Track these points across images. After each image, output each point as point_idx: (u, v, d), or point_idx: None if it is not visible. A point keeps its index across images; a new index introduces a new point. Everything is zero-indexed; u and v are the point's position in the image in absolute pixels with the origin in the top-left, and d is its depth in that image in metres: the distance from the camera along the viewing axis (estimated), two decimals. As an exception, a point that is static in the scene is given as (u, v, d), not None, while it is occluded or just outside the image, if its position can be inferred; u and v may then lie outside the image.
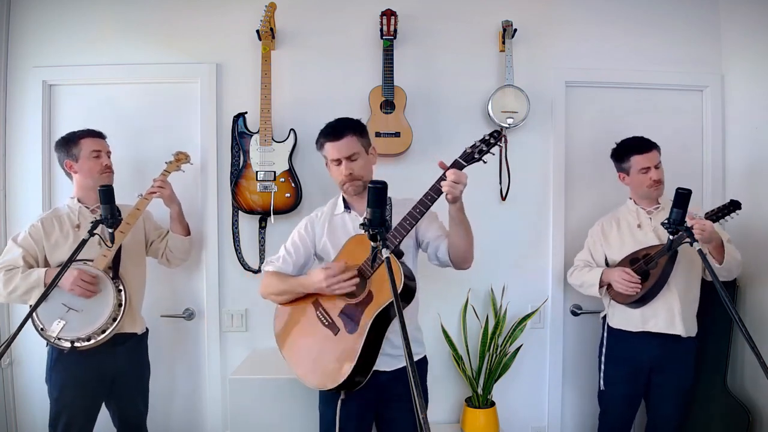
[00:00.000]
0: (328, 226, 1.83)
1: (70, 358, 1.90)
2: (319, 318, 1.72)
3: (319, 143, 1.84)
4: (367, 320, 1.61)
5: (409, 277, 1.63)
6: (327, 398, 1.77)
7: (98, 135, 2.10)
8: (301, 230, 1.86)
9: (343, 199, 1.86)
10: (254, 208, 2.38)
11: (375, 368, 1.66)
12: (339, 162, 1.79)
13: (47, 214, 2.02)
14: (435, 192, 1.59)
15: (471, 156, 1.57)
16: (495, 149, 1.60)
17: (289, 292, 1.77)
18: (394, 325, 1.69)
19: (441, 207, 1.68)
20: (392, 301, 1.57)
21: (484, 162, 1.60)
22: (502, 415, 2.42)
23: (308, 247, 1.84)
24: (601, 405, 2.29)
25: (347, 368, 1.60)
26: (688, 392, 2.21)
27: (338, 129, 1.79)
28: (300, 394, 1.94)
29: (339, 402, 1.68)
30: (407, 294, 1.61)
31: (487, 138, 1.57)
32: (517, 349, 2.43)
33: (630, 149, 2.20)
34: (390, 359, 1.73)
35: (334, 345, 1.66)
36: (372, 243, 1.31)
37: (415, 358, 1.78)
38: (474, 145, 1.58)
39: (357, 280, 1.63)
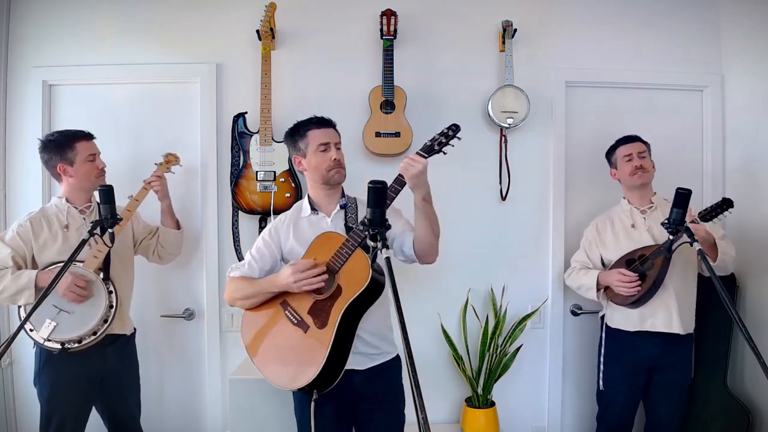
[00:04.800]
0: (293, 229, 1.81)
1: (59, 359, 1.88)
2: (288, 317, 1.69)
3: (301, 133, 1.80)
4: (337, 314, 1.60)
5: (378, 272, 1.64)
6: (301, 402, 1.74)
7: (90, 137, 2.05)
8: (265, 236, 1.83)
9: (309, 201, 1.84)
10: (254, 208, 2.38)
11: (348, 368, 1.65)
12: (326, 148, 1.77)
13: (35, 213, 1.99)
14: (398, 183, 1.64)
15: (431, 148, 1.63)
16: (454, 141, 1.66)
17: (258, 293, 1.72)
18: (367, 324, 1.68)
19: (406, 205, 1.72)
20: (361, 295, 1.59)
21: (444, 153, 1.66)
22: (502, 415, 2.42)
23: (273, 252, 1.81)
24: (600, 406, 2.29)
25: (319, 361, 1.58)
26: (687, 389, 2.22)
27: (324, 119, 1.84)
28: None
29: (312, 404, 1.65)
30: (375, 288, 1.62)
31: (445, 131, 1.64)
32: (517, 349, 2.43)
33: (617, 143, 2.28)
34: (363, 358, 1.72)
35: (304, 342, 1.64)
36: (371, 243, 1.31)
37: (388, 358, 1.78)
38: (433, 138, 1.65)
39: (325, 276, 1.62)
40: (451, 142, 1.64)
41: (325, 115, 1.88)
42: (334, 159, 1.77)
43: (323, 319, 1.63)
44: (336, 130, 1.85)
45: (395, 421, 1.79)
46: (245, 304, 1.77)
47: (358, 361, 1.70)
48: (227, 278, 1.82)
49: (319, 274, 1.61)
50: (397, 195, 1.65)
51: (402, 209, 1.86)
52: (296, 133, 1.83)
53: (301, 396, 1.74)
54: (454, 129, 1.64)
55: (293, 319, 1.69)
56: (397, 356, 1.83)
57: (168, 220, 2.28)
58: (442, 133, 1.65)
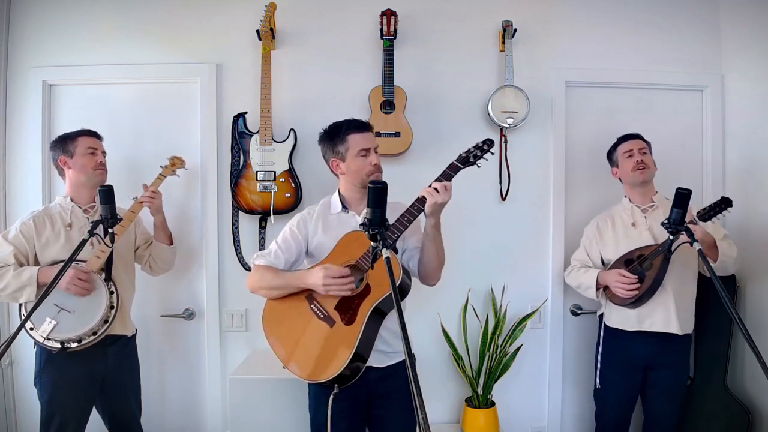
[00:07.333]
0: (322, 224, 1.84)
1: (60, 359, 1.88)
2: (313, 311, 1.72)
3: (341, 137, 1.80)
4: (365, 312, 1.64)
5: (407, 275, 1.68)
6: (318, 396, 1.76)
7: (95, 135, 2.11)
8: (293, 227, 1.85)
9: (340, 199, 1.87)
10: (254, 208, 2.38)
11: (367, 364, 1.69)
12: (366, 153, 1.80)
13: (38, 212, 2.00)
14: (421, 203, 1.66)
15: (466, 160, 1.69)
16: (488, 155, 1.71)
17: (285, 287, 1.75)
18: (388, 323, 1.71)
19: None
20: (388, 296, 1.62)
21: (478, 166, 1.71)
22: (502, 415, 2.42)
23: (300, 244, 1.83)
24: (598, 404, 2.29)
25: (345, 357, 1.62)
26: (684, 389, 2.22)
27: (364, 123, 1.85)
28: (300, 393, 1.94)
29: (331, 398, 1.68)
30: (401, 291, 1.66)
31: (480, 144, 1.70)
32: (517, 349, 2.43)
33: (618, 141, 2.29)
34: (382, 356, 1.75)
35: (330, 337, 1.68)
36: (372, 242, 1.31)
37: (403, 357, 1.78)
38: (468, 150, 1.70)
39: (353, 286, 1.65)
40: (484, 155, 1.69)
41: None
42: (375, 164, 1.80)
43: (350, 316, 1.66)
44: (373, 133, 1.87)
45: (408, 419, 1.80)
46: (269, 294, 1.80)
47: (377, 358, 1.73)
48: (252, 265, 1.84)
49: (349, 282, 1.63)
50: (420, 213, 1.66)
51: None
52: (335, 136, 1.82)
53: (317, 390, 1.76)
54: (489, 143, 1.69)
55: (319, 314, 1.71)
56: (412, 356, 1.85)
57: (160, 235, 2.25)
58: (477, 146, 1.68)
